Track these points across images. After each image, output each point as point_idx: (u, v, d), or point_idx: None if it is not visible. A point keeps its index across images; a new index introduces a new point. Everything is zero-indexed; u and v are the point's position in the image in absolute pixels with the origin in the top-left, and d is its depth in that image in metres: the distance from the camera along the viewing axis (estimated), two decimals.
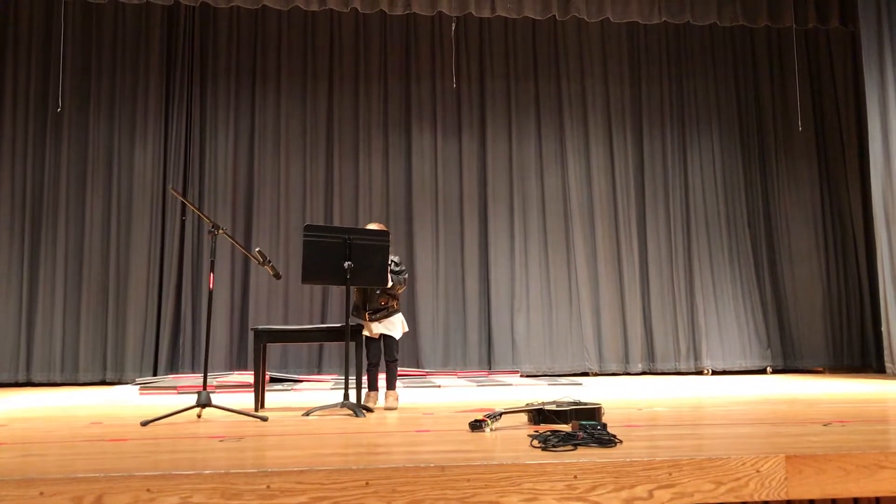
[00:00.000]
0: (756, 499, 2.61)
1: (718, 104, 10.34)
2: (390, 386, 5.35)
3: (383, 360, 5.40)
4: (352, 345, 5.08)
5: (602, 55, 10.25)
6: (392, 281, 5.25)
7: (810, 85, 10.39)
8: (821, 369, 9.77)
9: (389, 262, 5.25)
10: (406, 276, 5.48)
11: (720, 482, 2.60)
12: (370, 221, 9.38)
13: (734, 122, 10.32)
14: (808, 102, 10.28)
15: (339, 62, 9.87)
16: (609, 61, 10.24)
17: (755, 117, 10.37)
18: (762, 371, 9.68)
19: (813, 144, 10.30)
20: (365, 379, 5.36)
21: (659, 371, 9.60)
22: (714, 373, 9.59)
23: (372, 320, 5.31)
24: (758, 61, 10.45)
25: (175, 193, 5.18)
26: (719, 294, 9.92)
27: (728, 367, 9.68)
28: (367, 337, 5.34)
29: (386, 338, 5.35)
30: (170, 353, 9.06)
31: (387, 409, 5.16)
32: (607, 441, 2.99)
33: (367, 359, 5.36)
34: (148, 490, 2.42)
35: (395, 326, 5.37)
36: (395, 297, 5.41)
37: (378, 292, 5.30)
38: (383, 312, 5.33)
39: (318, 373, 9.10)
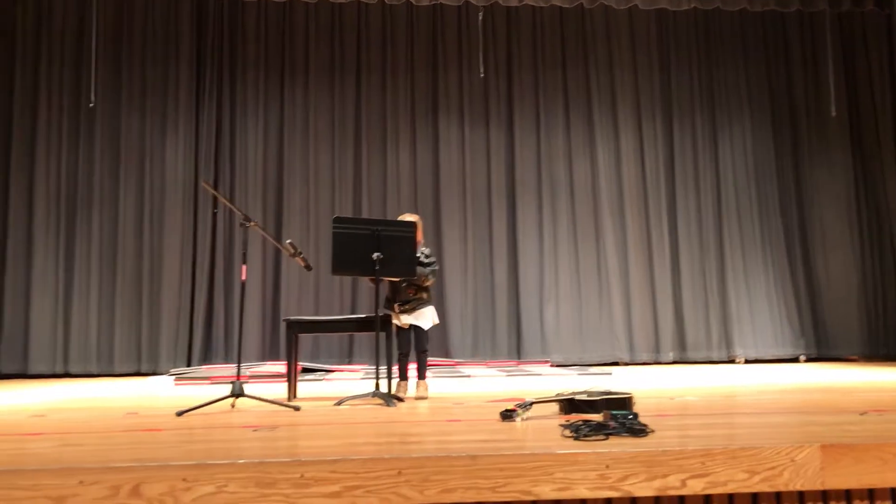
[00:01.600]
0: (791, 489, 2.58)
1: (749, 90, 10.18)
2: (420, 376, 5.37)
3: (413, 351, 5.42)
4: (382, 335, 5.11)
5: (631, 42, 10.14)
6: (419, 273, 5.26)
7: (844, 69, 10.19)
8: (855, 358, 9.62)
9: (419, 254, 5.25)
10: (435, 268, 5.48)
11: (754, 471, 2.58)
12: (399, 212, 9.48)
13: (766, 109, 10.17)
14: (841, 87, 10.08)
15: (366, 53, 9.88)
16: (638, 48, 10.13)
17: (787, 103, 10.20)
18: (795, 359, 9.56)
19: (847, 130, 10.12)
20: (395, 369, 5.39)
21: (690, 360, 9.52)
22: (746, 361, 9.49)
23: (401, 311, 5.33)
24: (790, 46, 10.27)
25: (207, 186, 5.23)
26: (751, 282, 9.80)
27: (760, 356, 9.57)
28: (397, 327, 5.36)
29: (415, 328, 5.35)
30: (203, 344, 9.18)
31: (417, 398, 5.19)
32: (639, 430, 2.97)
33: (398, 349, 5.38)
34: (184, 479, 2.45)
35: (424, 317, 5.38)
36: (424, 289, 5.41)
37: (405, 284, 5.32)
38: (412, 303, 5.33)
39: (349, 363, 9.15)
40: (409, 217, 5.40)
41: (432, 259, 5.46)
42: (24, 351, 8.88)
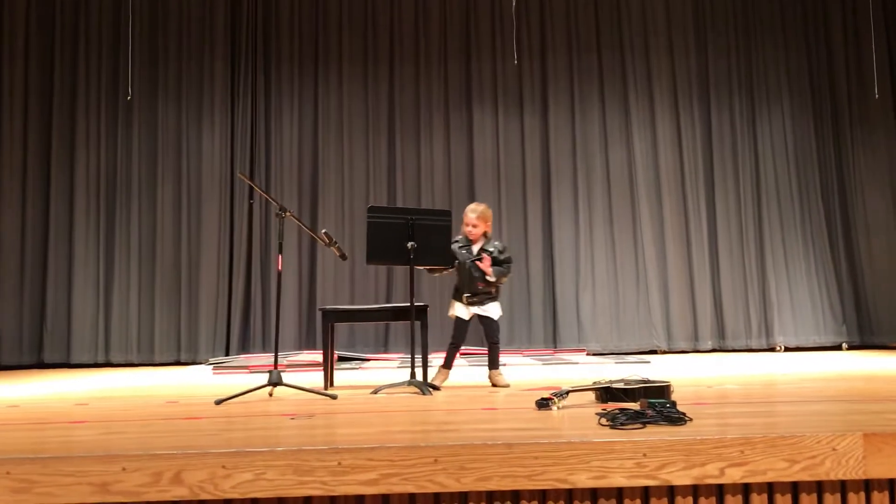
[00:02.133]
0: (832, 478, 2.54)
1: (789, 72, 9.97)
2: (494, 366, 5.24)
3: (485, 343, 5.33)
4: (417, 324, 5.11)
5: (667, 25, 9.99)
6: (496, 275, 5.13)
7: (888, 50, 9.91)
8: None
9: (492, 250, 5.15)
10: (510, 263, 5.29)
11: (794, 460, 2.54)
12: (433, 201, 9.53)
13: (806, 91, 9.95)
14: (885, 68, 9.81)
15: (399, 44, 9.89)
16: (674, 31, 9.98)
17: (828, 85, 9.97)
18: (837, 347, 9.38)
19: (890, 112, 9.84)
20: (430, 357, 5.37)
21: (729, 348, 9.41)
22: (787, 349, 9.35)
23: (469, 303, 5.19)
24: (831, 26, 10.02)
25: (243, 178, 5.29)
26: (792, 268, 9.64)
27: (801, 344, 9.42)
28: (457, 317, 5.25)
29: (484, 319, 5.23)
30: (241, 333, 9.30)
31: (498, 386, 5.12)
32: (677, 419, 2.94)
33: (452, 338, 5.28)
34: (223, 466, 2.49)
35: (492, 310, 5.24)
36: (495, 284, 5.24)
37: (477, 275, 5.14)
38: (481, 296, 5.18)
39: (385, 352, 9.20)
40: (477, 207, 5.28)
41: (507, 255, 5.27)
42: (66, 341, 9.09)
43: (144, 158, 9.50)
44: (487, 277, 5.11)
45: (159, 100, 9.57)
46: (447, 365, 5.31)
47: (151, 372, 8.01)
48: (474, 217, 5.21)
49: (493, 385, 5.15)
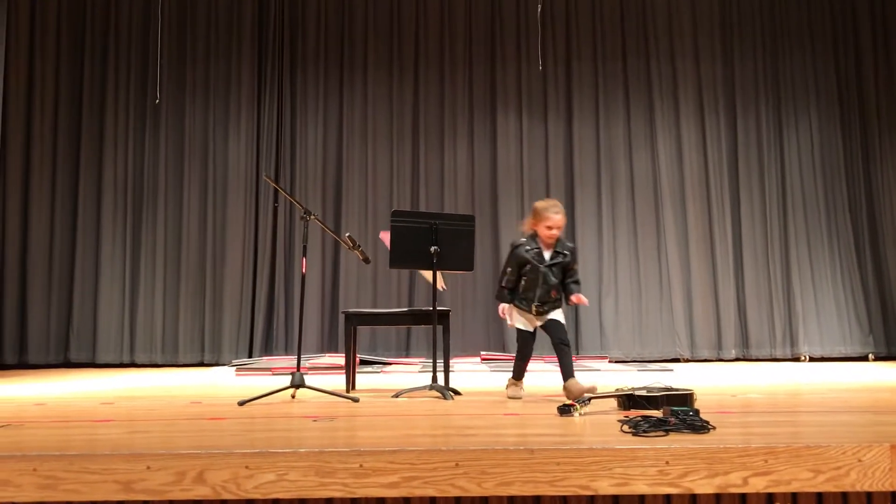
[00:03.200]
0: (858, 489, 2.52)
1: (816, 80, 9.88)
2: (569, 374, 4.49)
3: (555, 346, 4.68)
4: (439, 328, 5.11)
5: (693, 31, 9.94)
6: (575, 290, 4.72)
7: None
8: None
9: (567, 253, 4.67)
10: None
11: (819, 471, 2.52)
12: (456, 206, 9.54)
13: (833, 99, 9.85)
14: None
15: (424, 48, 9.92)
16: (700, 37, 9.92)
17: (856, 93, 9.85)
18: (864, 358, 9.25)
19: None
20: (452, 362, 5.35)
21: (753, 357, 9.31)
22: (812, 359, 9.24)
23: (538, 313, 4.65)
24: (860, 32, 9.90)
25: (268, 180, 5.32)
26: (818, 278, 9.53)
27: (827, 354, 9.30)
28: (523, 330, 4.73)
29: (552, 322, 4.66)
30: (264, 335, 9.35)
31: (582, 395, 4.11)
32: (700, 427, 2.92)
33: (518, 352, 4.80)
34: (246, 467, 2.51)
35: (557, 314, 4.74)
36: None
37: (555, 282, 4.64)
38: (550, 305, 4.68)
39: (406, 356, 9.21)
40: (560, 206, 4.67)
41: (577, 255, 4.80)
42: (92, 341, 9.19)
43: (171, 160, 9.61)
44: (581, 305, 4.77)
45: (186, 102, 9.67)
46: (520, 376, 4.85)
47: (175, 372, 8.07)
48: (560, 219, 4.60)
49: (569, 396, 4.27)
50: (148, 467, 2.51)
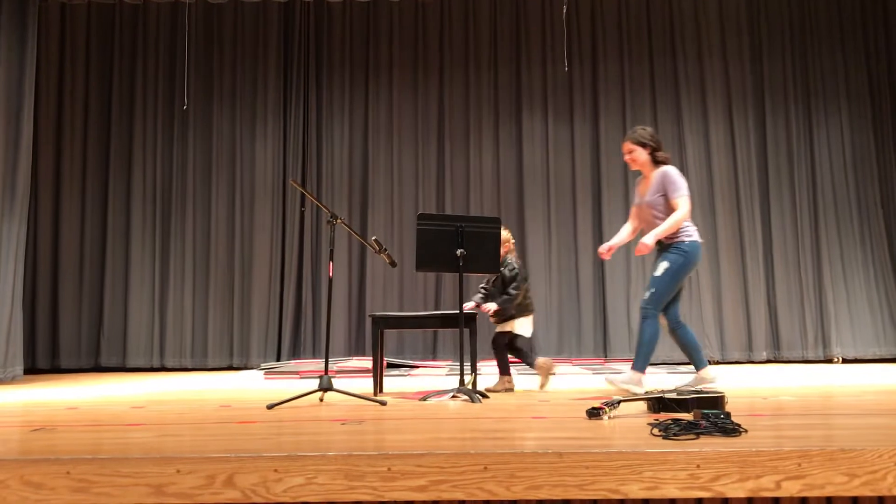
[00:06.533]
0: (895, 493, 2.46)
1: (847, 78, 9.74)
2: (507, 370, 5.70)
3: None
4: (466, 331, 5.10)
5: (720, 30, 9.85)
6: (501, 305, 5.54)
7: None
8: None
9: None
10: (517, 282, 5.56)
11: (854, 475, 2.47)
12: (482, 209, 9.52)
13: (864, 97, 9.71)
14: None
15: (449, 51, 9.93)
16: (728, 36, 9.83)
17: (888, 91, 9.71)
18: None
19: None
20: (479, 365, 5.41)
21: (785, 359, 9.20)
22: (845, 361, 9.11)
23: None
24: (890, 30, 9.76)
25: (295, 185, 5.34)
26: (850, 278, 9.39)
27: (860, 356, 9.16)
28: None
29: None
30: (292, 339, 9.41)
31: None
32: (731, 430, 2.88)
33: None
34: (275, 470, 2.51)
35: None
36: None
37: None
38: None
39: (434, 359, 9.22)
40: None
41: (514, 274, 5.55)
42: (122, 345, 9.32)
43: (199, 166, 9.71)
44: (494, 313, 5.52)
45: (214, 108, 9.78)
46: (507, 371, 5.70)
47: (204, 376, 8.14)
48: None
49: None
50: (178, 471, 2.52)
